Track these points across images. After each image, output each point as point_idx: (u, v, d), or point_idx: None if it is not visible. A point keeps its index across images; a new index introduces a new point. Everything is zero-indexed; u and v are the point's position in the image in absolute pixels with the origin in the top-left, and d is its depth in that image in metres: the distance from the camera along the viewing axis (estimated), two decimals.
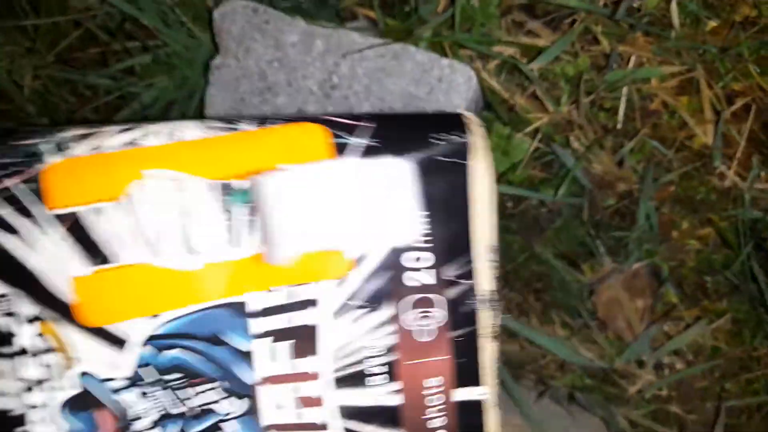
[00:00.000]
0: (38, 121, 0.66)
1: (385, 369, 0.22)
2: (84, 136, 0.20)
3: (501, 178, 0.57)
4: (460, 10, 0.53)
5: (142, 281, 0.20)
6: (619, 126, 0.55)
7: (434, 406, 0.23)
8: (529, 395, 0.56)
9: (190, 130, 0.21)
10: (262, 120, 0.22)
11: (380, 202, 0.19)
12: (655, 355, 0.55)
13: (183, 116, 0.64)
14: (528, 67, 0.53)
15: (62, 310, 0.20)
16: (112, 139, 0.21)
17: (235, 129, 0.21)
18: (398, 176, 0.19)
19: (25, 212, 0.20)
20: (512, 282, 0.58)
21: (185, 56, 0.61)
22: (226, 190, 0.21)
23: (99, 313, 0.20)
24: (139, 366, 0.21)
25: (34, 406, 0.20)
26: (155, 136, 0.21)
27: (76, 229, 0.20)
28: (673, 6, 0.51)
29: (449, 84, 0.50)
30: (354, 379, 0.22)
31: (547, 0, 0.53)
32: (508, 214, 0.58)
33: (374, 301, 0.22)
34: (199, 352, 0.21)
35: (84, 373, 0.21)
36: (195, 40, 0.60)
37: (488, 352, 0.24)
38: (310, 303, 0.21)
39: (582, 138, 0.55)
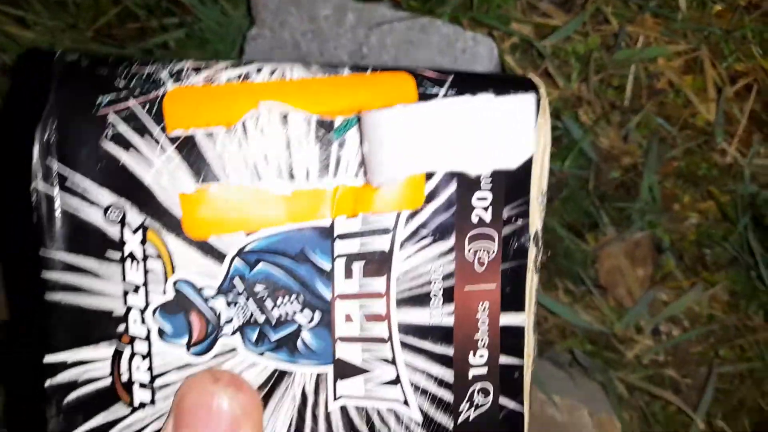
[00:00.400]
0: None
1: (443, 293, 0.25)
2: (198, 69, 0.23)
3: None
4: None
5: (243, 201, 0.23)
6: (626, 103, 0.58)
7: (482, 327, 0.26)
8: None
9: (295, 71, 0.24)
10: (360, 68, 0.25)
11: (493, 128, 0.21)
12: (653, 321, 0.58)
13: None
14: (541, 44, 0.56)
15: (168, 221, 0.23)
16: (225, 73, 0.23)
17: (336, 73, 0.24)
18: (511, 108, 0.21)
19: (143, 131, 0.22)
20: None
21: (218, 32, 0.64)
22: (327, 124, 0.23)
23: (200, 227, 0.23)
24: (230, 277, 0.23)
25: (134, 308, 0.23)
26: (263, 73, 0.23)
27: (187, 150, 0.23)
28: None
29: (473, 55, 0.53)
30: (415, 300, 0.25)
31: None
32: None
33: (440, 233, 0.25)
34: (285, 267, 0.24)
35: (181, 280, 0.23)
36: (227, 17, 0.64)
37: (532, 283, 0.27)
38: (385, 230, 0.24)
39: (590, 113, 0.58)
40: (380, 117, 0.21)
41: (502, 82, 0.23)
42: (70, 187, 0.22)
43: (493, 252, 0.25)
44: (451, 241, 0.25)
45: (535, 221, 0.25)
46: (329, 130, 0.23)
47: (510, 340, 0.26)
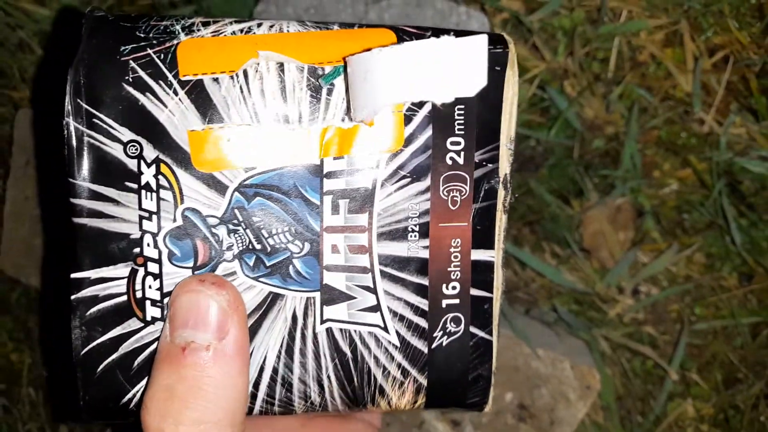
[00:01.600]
0: None
1: (419, 228, 0.28)
2: (206, 23, 0.26)
3: None
4: None
5: (243, 140, 0.26)
6: (609, 75, 0.60)
7: (454, 261, 0.29)
8: (519, 314, 0.63)
9: (291, 26, 0.27)
10: (348, 24, 0.28)
11: (454, 63, 0.23)
12: (633, 281, 0.61)
13: None
14: (528, 19, 0.59)
15: (179, 156, 0.26)
16: (230, 27, 0.26)
17: (327, 28, 0.27)
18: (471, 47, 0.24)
19: (158, 76, 0.25)
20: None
21: (224, 9, 0.67)
22: (318, 71, 0.26)
23: (206, 162, 0.26)
24: (231, 208, 0.26)
25: (148, 233, 0.26)
26: (263, 27, 0.27)
27: (196, 93, 0.26)
28: None
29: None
30: (394, 234, 0.28)
31: None
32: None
33: (417, 173, 0.28)
34: (279, 201, 0.26)
35: (189, 209, 0.26)
36: None
37: (501, 223, 0.29)
38: (368, 170, 0.27)
39: (576, 85, 0.61)
40: (360, 58, 0.24)
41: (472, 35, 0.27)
42: (96, 124, 0.25)
43: (465, 192, 0.28)
44: (427, 182, 0.28)
45: (504, 165, 0.29)
46: (319, 77, 0.26)
47: (480, 274, 0.29)
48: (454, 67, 0.22)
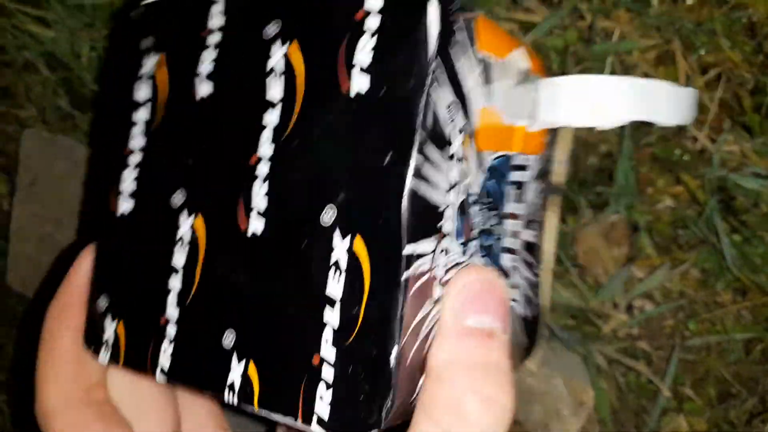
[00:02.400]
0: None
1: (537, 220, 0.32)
2: None
3: None
4: None
5: (502, 127, 0.28)
6: None
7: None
8: None
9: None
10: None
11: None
12: (627, 297, 0.61)
13: None
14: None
15: (471, 131, 0.26)
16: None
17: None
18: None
19: (465, 48, 0.25)
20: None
21: None
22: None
23: (483, 140, 0.27)
24: (482, 186, 0.27)
25: (450, 206, 0.25)
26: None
27: (485, 72, 0.26)
28: None
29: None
30: (531, 223, 0.32)
31: None
32: None
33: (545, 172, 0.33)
34: (499, 185, 0.29)
35: (467, 185, 0.26)
36: None
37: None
38: (524, 167, 0.30)
39: None
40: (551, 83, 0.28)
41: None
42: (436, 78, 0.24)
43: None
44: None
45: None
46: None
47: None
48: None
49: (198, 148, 0.27)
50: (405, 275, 0.22)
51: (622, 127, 0.61)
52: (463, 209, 0.25)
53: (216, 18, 0.28)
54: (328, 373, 0.22)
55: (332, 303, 0.23)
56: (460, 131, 0.25)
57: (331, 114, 0.24)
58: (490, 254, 0.28)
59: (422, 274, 0.23)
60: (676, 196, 0.62)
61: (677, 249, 0.63)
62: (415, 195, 0.23)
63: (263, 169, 0.25)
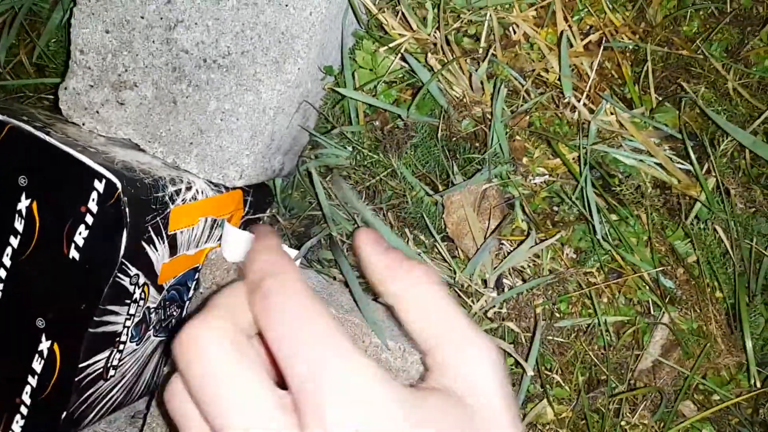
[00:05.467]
0: None
1: None
2: (177, 191, 0.45)
3: (369, 94, 0.57)
4: None
5: (180, 264, 0.48)
6: (480, 51, 0.55)
7: None
8: (372, 302, 0.57)
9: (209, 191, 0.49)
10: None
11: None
12: (496, 271, 0.56)
13: (66, 13, 0.62)
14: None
15: (154, 279, 0.45)
16: (189, 193, 0.46)
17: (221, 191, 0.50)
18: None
19: (159, 231, 0.44)
20: (372, 197, 0.59)
21: None
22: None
23: (164, 278, 0.46)
24: (162, 300, 0.44)
25: (125, 329, 0.45)
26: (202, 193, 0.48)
27: (172, 240, 0.46)
28: None
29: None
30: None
31: None
32: (376, 131, 0.58)
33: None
34: (179, 292, 0.47)
35: (148, 308, 0.46)
36: None
37: None
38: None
39: (443, 59, 0.55)
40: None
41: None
42: (122, 269, 0.42)
43: None
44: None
45: None
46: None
47: None
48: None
49: None
50: (79, 376, 0.42)
51: (496, 89, 0.55)
52: (144, 320, 0.44)
53: None
54: (23, 410, 0.43)
55: (33, 374, 0.42)
56: (142, 285, 0.42)
57: (55, 262, 0.40)
58: (168, 331, 0.47)
59: (95, 371, 0.43)
60: (552, 169, 0.57)
61: (552, 226, 0.58)
62: (94, 333, 0.41)
63: (2, 273, 0.42)
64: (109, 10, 0.48)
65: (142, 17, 0.48)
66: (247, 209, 0.54)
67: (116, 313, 0.40)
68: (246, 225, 0.55)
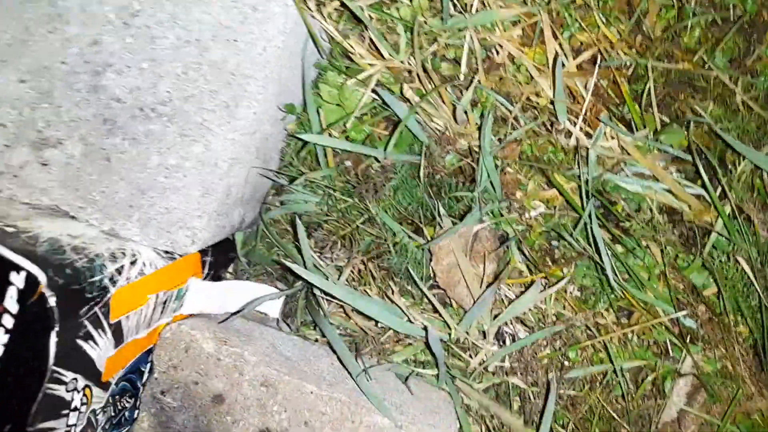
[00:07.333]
0: None
1: None
2: (119, 270, 0.37)
3: (339, 133, 0.50)
4: None
5: (129, 351, 0.41)
6: (461, 77, 0.48)
7: None
8: (367, 370, 0.49)
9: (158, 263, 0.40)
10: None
11: None
12: (496, 323, 0.49)
13: None
14: (358, 5, 0.46)
15: (97, 379, 0.37)
16: (134, 270, 0.39)
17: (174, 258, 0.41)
18: None
19: (98, 322, 0.35)
20: (350, 248, 0.51)
21: None
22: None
23: (108, 375, 0.39)
24: (108, 397, 0.37)
25: None
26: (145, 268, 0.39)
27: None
28: None
29: (264, 13, 0.41)
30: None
31: None
32: (349, 173, 0.51)
33: None
34: (134, 380, 0.42)
35: (92, 410, 0.38)
36: None
37: None
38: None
39: (421, 89, 0.48)
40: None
41: None
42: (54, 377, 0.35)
43: None
44: None
45: None
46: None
47: None
48: None
49: None
50: None
51: (482, 117, 0.49)
52: (90, 424, 0.36)
53: None
54: None
55: None
56: (82, 389, 0.35)
57: None
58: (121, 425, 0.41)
59: None
60: (549, 201, 0.51)
61: (552, 264, 0.51)
62: None
63: None
64: (23, 56, 0.40)
65: (64, 62, 0.40)
66: (206, 272, 0.47)
67: (53, 429, 0.32)
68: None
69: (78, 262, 0.33)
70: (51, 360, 0.30)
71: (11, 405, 0.31)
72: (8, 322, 0.31)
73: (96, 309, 0.33)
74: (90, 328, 0.33)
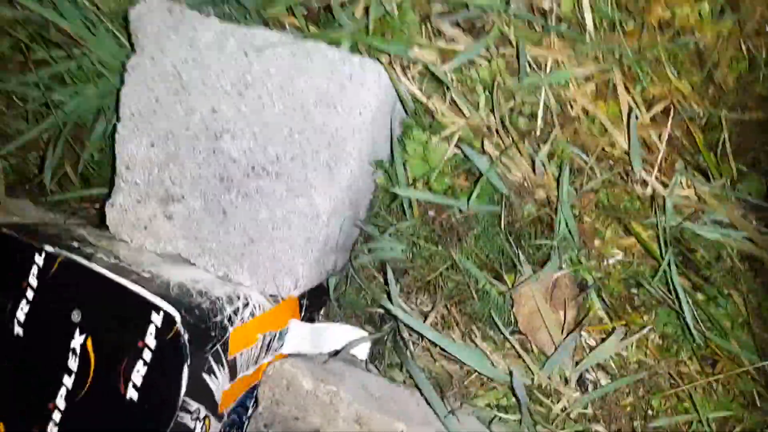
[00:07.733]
0: None
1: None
2: (236, 311, 0.42)
3: (422, 185, 0.54)
4: (379, 16, 0.50)
5: (239, 388, 0.45)
6: (537, 132, 0.51)
7: None
8: (453, 411, 0.51)
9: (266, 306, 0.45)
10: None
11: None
12: (578, 369, 0.50)
13: (109, 123, 0.61)
14: (441, 69, 0.50)
15: (215, 410, 0.42)
16: (247, 310, 0.43)
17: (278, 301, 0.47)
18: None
19: (219, 358, 0.40)
20: (434, 294, 0.54)
21: (112, 64, 0.58)
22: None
23: (224, 405, 0.43)
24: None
25: None
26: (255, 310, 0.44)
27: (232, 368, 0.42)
28: (586, 5, 0.48)
29: (360, 81, 0.46)
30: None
31: (461, 1, 0.50)
32: (430, 222, 0.54)
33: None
34: (240, 415, 0.47)
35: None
36: (123, 49, 0.58)
37: None
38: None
39: (500, 143, 0.51)
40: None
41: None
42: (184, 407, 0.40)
43: None
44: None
45: None
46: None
47: None
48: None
49: (9, 379, 0.40)
50: None
51: (559, 169, 0.51)
52: None
53: (32, 278, 0.39)
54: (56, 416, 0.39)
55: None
56: (203, 418, 0.38)
57: (112, 403, 0.37)
58: None
59: None
60: (627, 248, 0.52)
61: (632, 311, 0.52)
62: None
63: (57, 415, 0.39)
64: (153, 124, 0.46)
65: (187, 129, 0.45)
66: (302, 314, 0.50)
67: None
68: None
69: (203, 304, 0.38)
70: (183, 391, 0.34)
71: (149, 428, 0.34)
72: (147, 356, 0.35)
73: (218, 346, 0.37)
74: (212, 363, 0.37)
